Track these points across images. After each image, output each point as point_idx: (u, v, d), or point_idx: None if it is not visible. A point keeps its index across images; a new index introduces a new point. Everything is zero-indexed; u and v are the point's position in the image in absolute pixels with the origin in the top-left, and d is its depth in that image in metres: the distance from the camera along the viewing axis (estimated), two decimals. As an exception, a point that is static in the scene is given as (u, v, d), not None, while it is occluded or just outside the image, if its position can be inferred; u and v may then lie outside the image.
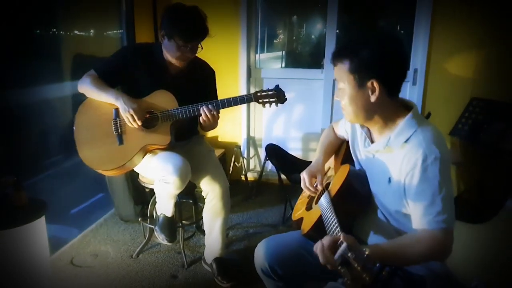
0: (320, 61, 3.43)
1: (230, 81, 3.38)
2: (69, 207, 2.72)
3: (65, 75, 2.69)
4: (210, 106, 1.90)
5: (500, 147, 2.64)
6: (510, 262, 1.57)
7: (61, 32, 2.71)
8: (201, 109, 1.90)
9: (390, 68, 1.15)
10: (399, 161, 1.16)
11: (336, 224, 1.08)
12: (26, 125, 2.35)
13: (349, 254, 0.86)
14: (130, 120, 1.91)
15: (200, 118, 1.92)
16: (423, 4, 3.01)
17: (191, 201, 2.47)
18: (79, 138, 1.99)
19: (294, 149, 3.46)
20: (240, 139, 3.57)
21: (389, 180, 1.20)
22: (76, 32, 2.83)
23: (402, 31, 3.50)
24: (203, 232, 2.51)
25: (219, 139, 3.58)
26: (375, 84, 1.14)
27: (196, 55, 2.07)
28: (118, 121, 1.97)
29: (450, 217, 1.09)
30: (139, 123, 1.91)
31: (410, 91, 3.19)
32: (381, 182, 1.24)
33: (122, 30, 3.12)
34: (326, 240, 0.96)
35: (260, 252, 1.41)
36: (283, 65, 4.07)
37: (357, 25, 3.70)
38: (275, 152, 2.82)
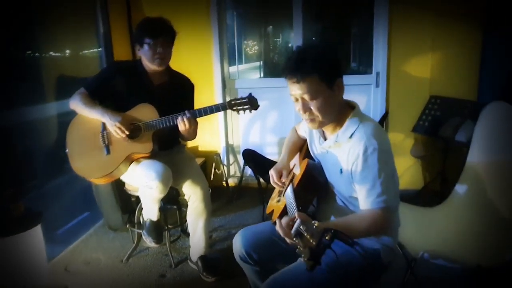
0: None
1: (206, 93, 3.55)
2: (57, 226, 2.81)
3: (47, 96, 2.83)
4: (187, 115, 2.07)
5: (457, 140, 2.90)
6: (453, 236, 1.80)
7: (41, 54, 2.85)
8: (179, 118, 2.07)
9: (341, 65, 1.35)
10: (346, 153, 1.36)
11: (295, 208, 1.28)
12: (9, 146, 2.47)
13: (301, 227, 1.06)
14: (118, 132, 2.08)
15: (179, 127, 2.09)
16: (380, 11, 3.26)
17: (175, 207, 2.64)
18: (71, 152, 2.17)
19: (271, 154, 3.65)
20: (219, 147, 3.75)
21: (340, 171, 1.40)
22: (55, 53, 2.98)
23: (363, 38, 3.78)
24: (187, 235, 2.69)
25: (200, 149, 3.75)
26: (339, 82, 1.34)
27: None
28: (105, 133, 2.15)
29: (389, 198, 1.29)
30: (127, 132, 2.09)
31: (374, 93, 3.44)
32: (335, 173, 1.44)
33: (100, 49, 3.28)
34: (283, 220, 1.16)
35: (238, 241, 1.59)
36: (262, 75, 4.28)
37: (323, 32, 3.96)
38: (251, 156, 3.01)
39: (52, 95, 2.86)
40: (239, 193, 3.53)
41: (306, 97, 1.31)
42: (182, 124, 2.07)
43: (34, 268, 1.90)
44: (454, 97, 3.16)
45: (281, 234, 1.16)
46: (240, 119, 3.72)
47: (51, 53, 2.96)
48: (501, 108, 2.04)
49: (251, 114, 2.17)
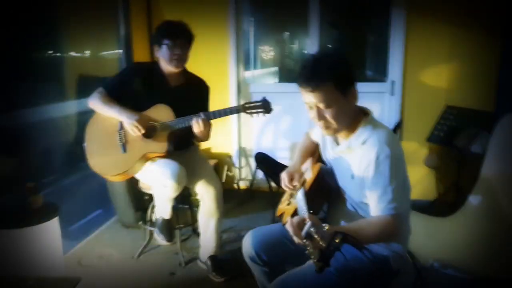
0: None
1: (221, 96, 3.60)
2: (71, 221, 2.86)
3: (69, 95, 2.92)
4: (201, 117, 2.11)
5: (472, 151, 2.88)
6: (464, 247, 1.80)
7: (64, 54, 2.95)
8: (193, 119, 2.12)
9: (354, 73, 1.37)
10: (358, 159, 1.38)
11: (306, 211, 1.30)
12: (31, 143, 2.55)
13: (312, 229, 1.08)
14: (135, 130, 2.14)
15: (194, 128, 2.14)
16: (397, 20, 3.27)
17: (187, 206, 2.68)
18: (89, 149, 2.24)
19: (283, 158, 3.66)
20: (232, 150, 3.79)
21: (352, 176, 1.42)
22: (78, 54, 3.07)
23: (379, 46, 3.79)
24: (198, 235, 2.72)
25: (212, 150, 3.80)
26: (353, 89, 1.36)
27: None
28: (122, 132, 2.21)
29: (400, 205, 1.30)
30: (143, 131, 2.14)
31: (389, 102, 3.44)
32: (346, 178, 1.46)
33: (121, 51, 3.37)
34: (295, 218, 1.18)
35: (248, 241, 1.62)
36: (278, 80, 4.31)
37: (338, 40, 3.98)
38: (263, 159, 3.03)
39: (72, 94, 2.94)
40: (250, 196, 3.56)
41: (321, 105, 1.33)
42: (197, 126, 2.11)
43: (50, 260, 1.95)
44: (471, 107, 3.13)
45: (291, 233, 1.18)
46: (254, 123, 3.75)
47: (73, 53, 3.05)
48: (517, 120, 2.02)
49: (264, 118, 2.20)
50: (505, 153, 2.03)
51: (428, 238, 1.83)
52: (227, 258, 2.49)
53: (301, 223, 1.16)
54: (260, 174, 3.68)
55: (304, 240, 1.10)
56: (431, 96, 3.33)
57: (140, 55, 3.42)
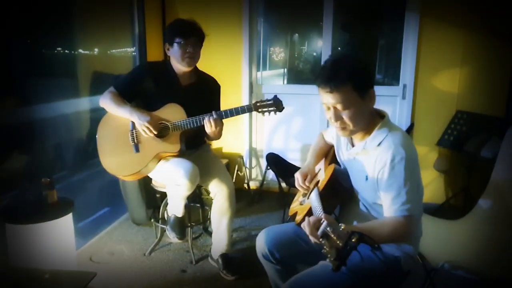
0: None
1: (233, 96, 3.65)
2: (82, 218, 2.90)
3: (83, 91, 2.97)
4: (214, 116, 2.14)
5: (482, 156, 2.88)
6: (473, 249, 1.81)
7: (78, 52, 3.00)
8: (205, 119, 2.14)
9: (373, 75, 1.41)
10: (373, 160, 1.40)
11: (321, 210, 1.33)
12: (43, 139, 2.59)
13: (328, 229, 1.11)
14: (146, 131, 2.17)
15: (206, 128, 2.16)
16: (411, 24, 3.28)
17: (199, 205, 2.72)
18: (101, 149, 2.27)
19: (293, 159, 3.69)
20: (242, 150, 3.82)
21: (366, 178, 1.44)
22: (92, 51, 3.13)
23: (391, 50, 3.80)
24: (209, 233, 2.77)
25: (223, 150, 3.83)
26: (372, 92, 1.39)
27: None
28: (134, 132, 2.24)
29: (413, 207, 1.32)
30: (155, 132, 2.18)
31: (400, 105, 3.45)
32: (360, 179, 1.48)
33: (134, 48, 3.41)
34: (311, 218, 1.20)
35: (261, 239, 1.65)
36: (285, 81, 4.34)
37: (351, 43, 4.00)
38: (274, 160, 3.06)
39: (85, 90, 2.99)
40: (260, 196, 3.59)
41: (339, 106, 1.35)
42: (209, 125, 2.14)
43: (64, 255, 1.99)
44: (481, 113, 3.14)
45: (307, 232, 1.20)
46: (265, 124, 3.78)
47: (87, 51, 3.10)
48: (529, 126, 2.03)
49: (275, 119, 2.21)
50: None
51: (438, 240, 1.85)
52: (238, 257, 2.52)
53: (317, 223, 1.19)
54: (270, 175, 3.71)
55: (321, 239, 1.12)
56: (442, 101, 3.34)
57: (154, 53, 3.47)
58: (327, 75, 1.33)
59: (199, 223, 2.76)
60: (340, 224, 1.13)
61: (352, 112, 1.36)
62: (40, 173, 2.44)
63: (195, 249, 2.63)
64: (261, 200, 3.58)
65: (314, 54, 4.23)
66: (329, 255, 1.08)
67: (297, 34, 4.51)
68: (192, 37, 2.22)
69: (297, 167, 3.28)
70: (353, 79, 1.32)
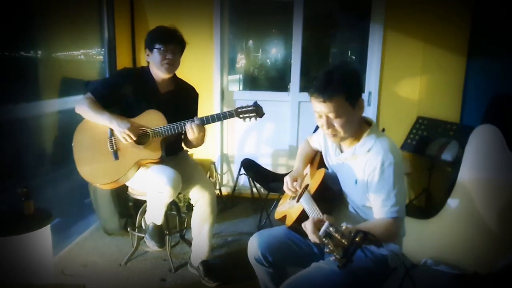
0: (286, 85, 3.81)
1: (205, 103, 3.63)
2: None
3: (51, 94, 2.85)
4: (197, 122, 2.13)
5: (442, 159, 3.10)
6: (445, 246, 1.96)
7: (46, 55, 2.89)
8: (187, 125, 2.13)
9: (362, 85, 1.48)
10: (362, 165, 1.48)
11: (318, 212, 1.38)
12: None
13: (331, 228, 1.16)
14: (127, 138, 2.13)
15: (188, 134, 2.15)
16: (375, 35, 3.47)
17: (175, 212, 2.69)
18: (78, 156, 2.19)
19: (264, 164, 3.74)
20: (214, 156, 3.83)
21: (356, 181, 1.51)
22: (59, 54, 3.01)
23: (354, 58, 3.98)
24: (186, 241, 2.74)
25: (194, 156, 3.79)
26: (361, 102, 1.46)
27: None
28: (113, 139, 2.19)
29: (401, 209, 1.42)
30: (135, 139, 2.14)
31: (365, 112, 3.59)
32: (350, 183, 1.55)
33: (103, 53, 3.33)
34: (310, 219, 1.26)
35: (254, 242, 1.67)
36: (241, 87, 4.38)
37: (316, 52, 4.14)
38: (250, 165, 3.10)
39: (52, 93, 2.86)
40: (232, 202, 3.60)
41: (331, 115, 1.42)
42: (191, 131, 2.13)
43: (41, 268, 1.91)
44: (440, 118, 3.37)
45: (309, 232, 1.25)
46: (237, 130, 3.82)
47: (56, 53, 2.99)
48: (489, 130, 2.21)
49: (246, 125, 2.23)
50: (479, 161, 2.21)
51: (413, 238, 1.97)
52: (218, 263, 2.51)
53: (318, 223, 1.24)
54: (242, 180, 3.74)
55: (324, 239, 1.17)
56: (404, 107, 3.55)
57: (123, 58, 3.42)
58: (321, 86, 1.39)
59: (176, 231, 2.72)
60: (342, 224, 1.18)
61: (344, 120, 1.43)
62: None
63: (173, 257, 2.59)
64: (233, 205, 3.59)
65: (269, 61, 4.33)
66: (334, 254, 1.13)
67: (251, 41, 4.56)
68: (173, 44, 2.21)
69: (271, 171, 3.34)
70: (346, 90, 1.39)
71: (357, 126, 1.50)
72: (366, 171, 1.46)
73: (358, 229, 1.13)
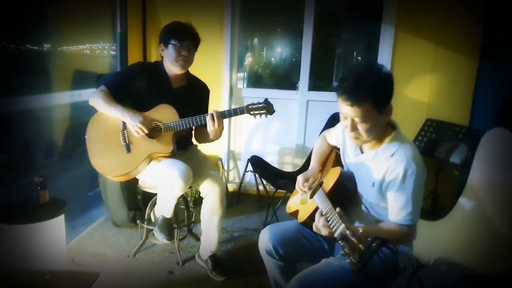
0: (295, 83, 3.82)
1: (214, 99, 3.64)
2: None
3: (63, 86, 2.88)
4: (216, 114, 2.15)
5: (451, 162, 3.10)
6: (453, 248, 1.97)
7: (59, 48, 2.92)
8: (208, 117, 2.15)
9: (392, 91, 1.45)
10: (383, 170, 1.47)
11: (333, 210, 1.39)
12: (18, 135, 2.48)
13: (347, 232, 1.18)
14: (139, 131, 2.15)
15: (208, 126, 2.16)
16: (386, 35, 3.47)
17: (183, 206, 2.71)
18: (91, 148, 2.21)
19: (272, 162, 3.75)
20: (221, 152, 3.84)
21: (373, 184, 1.51)
22: (72, 48, 3.04)
23: (364, 58, 3.98)
24: (193, 235, 2.77)
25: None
26: (389, 107, 1.45)
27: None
28: (125, 132, 2.21)
29: (416, 217, 1.44)
30: (147, 132, 2.16)
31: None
32: (367, 184, 1.55)
33: (115, 47, 3.36)
34: (323, 218, 1.30)
35: (265, 235, 1.68)
36: (249, 85, 4.39)
37: (326, 52, 4.15)
38: (258, 163, 3.11)
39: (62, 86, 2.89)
40: (238, 198, 3.62)
41: (357, 119, 1.40)
42: (212, 123, 2.15)
43: (55, 256, 1.93)
44: (449, 121, 3.37)
45: (320, 227, 1.29)
46: (244, 127, 3.84)
47: (69, 47, 3.01)
48: (501, 134, 2.22)
49: (253, 122, 2.24)
50: (490, 164, 2.22)
51: (423, 240, 1.98)
52: (226, 257, 2.53)
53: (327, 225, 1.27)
54: (248, 177, 3.76)
55: (340, 242, 1.18)
56: (413, 109, 3.55)
57: (134, 53, 3.44)
58: (350, 89, 1.36)
59: (184, 225, 2.74)
60: (358, 228, 1.20)
61: (369, 126, 1.41)
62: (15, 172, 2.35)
63: (181, 251, 2.61)
64: (239, 202, 3.61)
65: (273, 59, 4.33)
66: (351, 257, 1.14)
67: (275, 40, 4.57)
68: (188, 41, 2.23)
69: (278, 169, 3.35)
70: (376, 97, 1.36)
71: (381, 130, 1.49)
72: (387, 177, 1.45)
73: (375, 235, 1.14)
